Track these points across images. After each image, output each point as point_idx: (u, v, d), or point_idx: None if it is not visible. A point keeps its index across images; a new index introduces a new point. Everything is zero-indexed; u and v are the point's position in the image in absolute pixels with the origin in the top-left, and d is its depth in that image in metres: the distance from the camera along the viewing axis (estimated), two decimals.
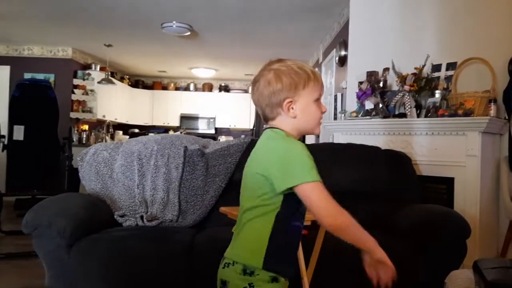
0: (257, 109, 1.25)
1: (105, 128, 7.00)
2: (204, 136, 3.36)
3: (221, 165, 2.57)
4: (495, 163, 3.05)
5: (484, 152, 2.90)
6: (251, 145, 2.71)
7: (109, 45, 6.63)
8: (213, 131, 9.24)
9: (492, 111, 2.92)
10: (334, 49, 4.74)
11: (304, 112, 1.19)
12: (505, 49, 3.02)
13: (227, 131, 9.40)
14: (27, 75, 6.65)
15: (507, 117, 3.00)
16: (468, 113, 2.90)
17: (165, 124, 9.37)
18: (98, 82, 7.04)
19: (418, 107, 3.27)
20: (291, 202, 1.13)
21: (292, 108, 1.18)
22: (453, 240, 2.21)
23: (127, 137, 8.13)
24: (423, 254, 2.20)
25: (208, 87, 9.59)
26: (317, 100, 1.21)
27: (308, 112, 1.20)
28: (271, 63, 1.22)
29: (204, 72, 8.59)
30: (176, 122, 9.34)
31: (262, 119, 1.26)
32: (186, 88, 9.65)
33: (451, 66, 3.25)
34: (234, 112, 9.23)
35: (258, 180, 1.14)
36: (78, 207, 2.18)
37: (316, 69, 1.20)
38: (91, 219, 2.19)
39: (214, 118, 9.31)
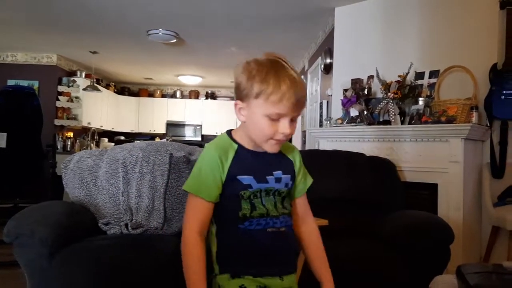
0: None
1: (90, 136, 6.93)
2: (190, 143, 3.34)
3: None
4: (477, 169, 3.10)
5: (466, 159, 2.95)
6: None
7: (94, 52, 6.58)
8: (199, 138, 9.21)
9: (474, 118, 2.98)
10: (320, 57, 4.78)
11: (251, 123, 1.11)
12: (486, 58, 3.09)
13: (213, 138, 9.36)
14: (11, 82, 6.55)
15: (488, 124, 3.06)
16: (450, 120, 2.95)
17: (151, 131, 9.32)
18: (83, 89, 6.98)
19: (402, 114, 3.32)
20: (225, 205, 1.14)
21: (243, 112, 1.12)
22: (436, 245, 2.23)
23: (113, 144, 8.05)
24: (407, 259, 2.22)
25: (195, 94, 9.58)
26: (271, 116, 1.06)
27: (255, 124, 1.10)
28: (260, 57, 1.11)
29: (190, 79, 8.58)
30: (162, 129, 9.30)
31: None
32: (173, 95, 9.62)
33: (434, 74, 3.31)
34: (220, 119, 9.22)
35: None
36: (61, 215, 2.14)
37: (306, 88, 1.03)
38: (74, 227, 2.16)
39: (201, 125, 9.30)
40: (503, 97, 2.98)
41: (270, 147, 1.12)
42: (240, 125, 1.18)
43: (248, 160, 1.14)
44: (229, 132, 1.20)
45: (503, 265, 1.86)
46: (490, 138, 3.08)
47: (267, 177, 1.15)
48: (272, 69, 1.06)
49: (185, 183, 1.13)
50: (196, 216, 1.11)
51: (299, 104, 1.07)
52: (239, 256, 1.13)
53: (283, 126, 1.08)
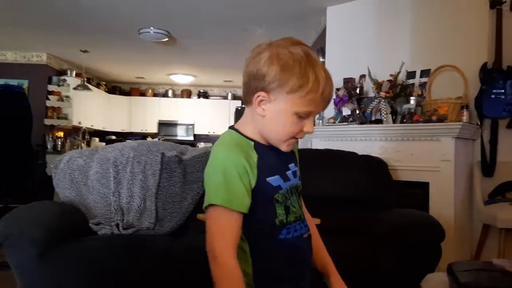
0: None
1: (81, 135, 6.87)
2: (182, 142, 3.34)
3: (198, 172, 2.55)
4: (468, 167, 3.12)
5: (457, 157, 2.97)
6: None
7: (85, 51, 6.52)
8: (192, 138, 9.18)
9: (465, 117, 3.00)
10: None
11: (273, 119, 0.96)
12: (477, 57, 3.11)
13: (206, 138, 9.36)
14: (0, 81, 6.48)
15: (479, 123, 3.08)
16: (441, 119, 2.97)
17: (143, 131, 9.27)
18: (74, 88, 6.92)
19: (394, 113, 3.33)
20: (257, 214, 0.97)
21: (264, 106, 0.96)
22: (428, 244, 2.24)
23: (104, 144, 8.00)
24: (399, 258, 2.23)
25: (187, 94, 9.54)
26: (300, 114, 0.95)
27: (279, 121, 0.96)
28: (286, 42, 0.97)
29: (182, 78, 8.54)
30: (154, 129, 9.25)
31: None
32: (165, 95, 9.57)
33: (425, 73, 3.32)
34: (213, 118, 9.19)
35: None
36: (51, 216, 2.12)
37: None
38: (65, 228, 2.13)
39: (193, 125, 9.26)
40: (493, 96, 3.00)
41: (287, 146, 1.00)
42: (245, 119, 1.03)
43: (269, 158, 0.99)
44: (235, 129, 1.03)
45: (493, 262, 1.87)
46: (480, 136, 3.10)
47: (287, 172, 1.03)
48: (309, 61, 0.93)
49: (210, 197, 0.93)
50: (230, 233, 0.92)
51: (329, 101, 0.99)
52: (284, 273, 0.99)
53: (309, 124, 0.97)
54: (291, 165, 1.06)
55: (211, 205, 0.93)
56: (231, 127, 1.04)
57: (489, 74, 3.03)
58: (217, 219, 0.93)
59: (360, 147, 3.33)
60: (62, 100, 7.07)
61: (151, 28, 5.20)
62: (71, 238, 2.12)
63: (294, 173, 1.05)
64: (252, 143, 0.99)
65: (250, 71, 0.97)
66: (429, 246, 2.25)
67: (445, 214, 2.91)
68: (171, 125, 9.28)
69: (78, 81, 7.14)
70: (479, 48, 3.15)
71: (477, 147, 3.14)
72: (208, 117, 9.23)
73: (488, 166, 3.06)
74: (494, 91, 3.01)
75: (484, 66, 3.06)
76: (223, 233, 0.92)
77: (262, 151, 0.99)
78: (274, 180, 0.98)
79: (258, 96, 0.95)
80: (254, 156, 0.96)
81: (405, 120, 3.21)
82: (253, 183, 0.95)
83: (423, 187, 3.10)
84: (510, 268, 1.77)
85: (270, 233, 0.98)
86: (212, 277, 0.92)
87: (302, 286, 1.04)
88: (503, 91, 2.99)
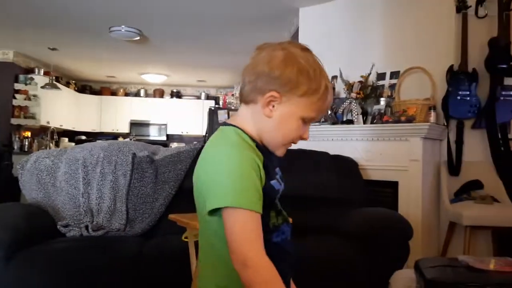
0: (241, 78, 0.97)
1: (49, 135, 6.70)
2: (155, 143, 3.31)
3: (171, 172, 2.53)
4: (435, 167, 3.21)
5: (425, 157, 3.05)
6: (201, 151, 2.67)
7: (53, 49, 6.35)
8: (164, 138, 9.07)
9: (432, 117, 3.08)
10: None
11: (281, 121, 0.94)
12: (444, 59, 3.20)
13: (179, 138, 9.27)
14: None
15: (445, 124, 3.18)
16: (410, 120, 3.04)
17: (114, 131, 9.09)
18: (42, 87, 6.73)
19: (365, 113, 3.39)
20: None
21: (273, 106, 0.93)
22: (396, 241, 2.29)
23: (73, 144, 7.80)
24: (368, 255, 2.27)
25: (159, 93, 9.43)
26: (305, 120, 0.95)
27: (285, 125, 0.95)
28: (296, 46, 0.95)
29: (155, 77, 8.44)
30: (125, 129, 9.09)
31: (240, 98, 1.01)
32: (136, 94, 9.43)
33: (394, 74, 3.40)
34: (186, 118, 9.11)
35: (200, 193, 0.93)
36: (17, 218, 2.07)
37: None
38: (32, 230, 2.08)
39: (166, 125, 9.15)
40: (459, 97, 3.10)
41: (282, 152, 0.99)
42: (244, 117, 0.97)
43: (270, 160, 0.95)
44: (236, 126, 0.96)
45: (458, 258, 1.94)
46: (447, 137, 3.20)
47: (276, 176, 0.99)
48: (321, 69, 0.94)
49: (226, 199, 0.85)
50: (255, 235, 0.86)
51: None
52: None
53: (308, 131, 0.98)
54: (277, 169, 1.02)
55: (227, 207, 0.86)
56: (229, 124, 0.98)
57: (455, 76, 3.12)
58: (243, 222, 0.86)
59: (332, 147, 3.37)
60: (29, 99, 6.86)
61: (123, 26, 5.12)
62: (39, 241, 2.08)
63: (281, 177, 1.03)
64: (254, 143, 0.95)
65: (260, 70, 0.93)
66: (398, 244, 2.30)
67: (413, 213, 2.98)
68: (143, 125, 9.15)
69: (46, 80, 6.93)
70: (446, 51, 3.24)
71: (443, 147, 3.23)
72: (181, 117, 9.15)
73: (454, 166, 3.16)
74: (460, 92, 3.10)
75: (450, 68, 3.15)
76: (250, 236, 0.86)
77: (263, 152, 0.94)
78: (275, 183, 0.96)
79: (270, 96, 0.92)
80: (261, 157, 0.92)
81: (375, 121, 3.27)
82: (263, 183, 0.90)
83: (393, 186, 3.17)
84: (473, 263, 1.83)
85: (265, 236, 0.91)
86: (247, 285, 0.85)
87: None
88: (468, 92, 3.09)
